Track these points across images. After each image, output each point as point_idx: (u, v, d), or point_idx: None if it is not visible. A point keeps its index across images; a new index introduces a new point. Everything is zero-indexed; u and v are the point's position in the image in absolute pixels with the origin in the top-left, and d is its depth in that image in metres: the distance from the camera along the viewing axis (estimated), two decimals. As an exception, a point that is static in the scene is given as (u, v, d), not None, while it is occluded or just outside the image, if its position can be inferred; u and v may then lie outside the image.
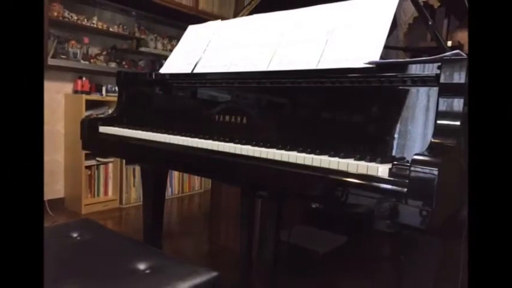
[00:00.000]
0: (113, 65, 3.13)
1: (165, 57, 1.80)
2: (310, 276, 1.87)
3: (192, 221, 2.88)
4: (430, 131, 0.79)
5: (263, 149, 0.93)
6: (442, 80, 0.77)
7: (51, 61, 2.70)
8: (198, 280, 0.86)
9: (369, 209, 0.74)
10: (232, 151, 0.99)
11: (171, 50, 2.08)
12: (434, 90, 0.80)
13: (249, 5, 1.56)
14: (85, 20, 2.91)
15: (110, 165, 2.99)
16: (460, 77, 0.75)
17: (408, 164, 0.70)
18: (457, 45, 1.88)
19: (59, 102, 2.84)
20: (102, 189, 2.98)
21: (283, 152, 0.89)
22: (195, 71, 1.32)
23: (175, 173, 3.46)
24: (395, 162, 0.73)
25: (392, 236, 1.74)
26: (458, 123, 0.76)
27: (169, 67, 1.45)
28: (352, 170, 0.77)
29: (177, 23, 3.53)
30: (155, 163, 1.44)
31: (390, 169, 0.73)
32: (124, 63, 3.26)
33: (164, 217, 1.62)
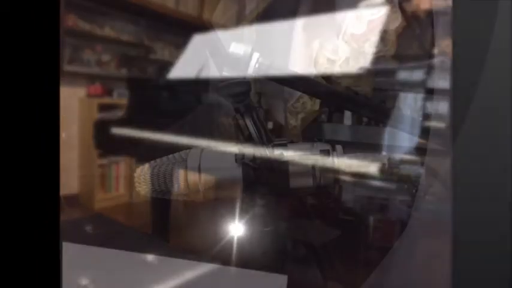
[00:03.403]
0: (123, 71, 3.13)
1: (172, 64, 1.80)
2: (306, 265, 1.87)
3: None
4: (417, 132, 0.80)
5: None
6: (428, 84, 0.78)
7: (66, 67, 2.70)
8: (202, 270, 0.86)
9: (361, 204, 0.74)
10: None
11: (177, 57, 2.08)
12: (421, 94, 0.80)
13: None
14: (98, 29, 2.91)
15: (121, 163, 2.99)
16: (444, 82, 0.75)
17: (397, 163, 0.70)
18: (442, 53, 1.88)
19: (74, 105, 2.84)
20: (113, 185, 2.97)
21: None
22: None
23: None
24: (384, 162, 0.73)
25: (382, 229, 1.74)
26: (443, 125, 0.76)
27: (175, 72, 1.44)
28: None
29: (182, 32, 3.53)
30: (163, 162, 1.44)
31: (380, 167, 0.73)
32: (134, 69, 3.26)
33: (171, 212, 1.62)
